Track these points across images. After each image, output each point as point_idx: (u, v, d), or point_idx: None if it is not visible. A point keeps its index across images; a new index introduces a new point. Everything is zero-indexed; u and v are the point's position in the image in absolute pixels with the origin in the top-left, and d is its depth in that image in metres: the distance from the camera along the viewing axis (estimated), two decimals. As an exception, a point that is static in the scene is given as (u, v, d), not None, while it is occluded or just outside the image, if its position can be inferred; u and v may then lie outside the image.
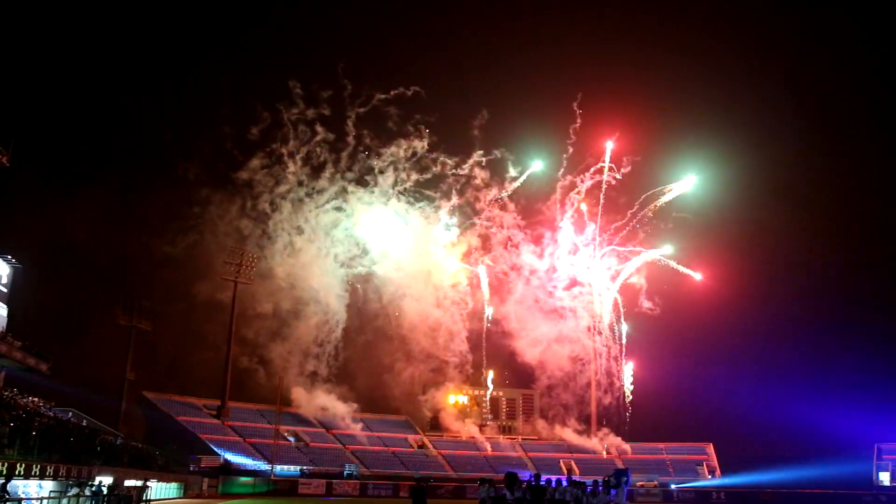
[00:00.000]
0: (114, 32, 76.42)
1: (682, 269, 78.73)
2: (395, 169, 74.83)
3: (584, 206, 79.95)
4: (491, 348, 79.12)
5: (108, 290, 68.68)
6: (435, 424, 79.20)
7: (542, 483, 20.47)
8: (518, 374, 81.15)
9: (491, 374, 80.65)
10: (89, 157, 75.83)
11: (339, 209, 74.07)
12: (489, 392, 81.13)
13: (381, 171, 74.47)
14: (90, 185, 70.19)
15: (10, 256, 38.18)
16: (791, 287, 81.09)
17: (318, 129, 72.18)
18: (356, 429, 73.81)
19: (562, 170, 78.45)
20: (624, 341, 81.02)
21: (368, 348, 76.31)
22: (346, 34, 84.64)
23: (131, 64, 76.87)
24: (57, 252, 64.31)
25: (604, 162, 77.95)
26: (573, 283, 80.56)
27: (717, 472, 74.52)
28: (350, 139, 73.20)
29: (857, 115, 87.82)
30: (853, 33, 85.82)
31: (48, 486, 27.90)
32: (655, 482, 69.28)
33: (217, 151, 72.81)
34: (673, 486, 68.30)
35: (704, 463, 76.01)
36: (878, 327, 75.59)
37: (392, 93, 71.92)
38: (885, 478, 68.09)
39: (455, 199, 76.90)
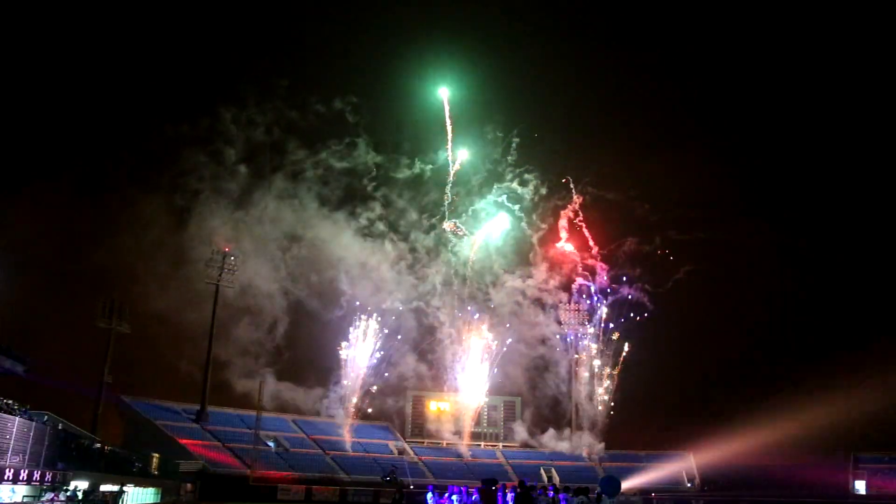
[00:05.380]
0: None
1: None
2: (326, 174, 75.48)
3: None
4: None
5: (86, 292, 67.78)
6: (416, 430, 78.98)
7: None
8: (499, 381, 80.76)
9: (470, 381, 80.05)
10: (61, 154, 74.45)
11: (275, 209, 74.29)
12: (470, 398, 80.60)
13: (311, 177, 74.99)
14: (65, 182, 69.36)
15: (-15, 256, 37.54)
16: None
17: (257, 127, 73.34)
18: (338, 434, 73.38)
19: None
20: (603, 347, 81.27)
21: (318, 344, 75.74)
22: (288, 39, 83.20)
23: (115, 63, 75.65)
24: (34, 252, 63.24)
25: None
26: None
27: (697, 479, 74.94)
28: (283, 143, 74.21)
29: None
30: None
31: (21, 490, 27.42)
32: (635, 489, 69.58)
33: (162, 150, 73.44)
34: (653, 494, 68.63)
35: (684, 471, 76.42)
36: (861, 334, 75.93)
37: (330, 103, 73.29)
38: (860, 486, 68.87)
39: (380, 209, 76.98)
